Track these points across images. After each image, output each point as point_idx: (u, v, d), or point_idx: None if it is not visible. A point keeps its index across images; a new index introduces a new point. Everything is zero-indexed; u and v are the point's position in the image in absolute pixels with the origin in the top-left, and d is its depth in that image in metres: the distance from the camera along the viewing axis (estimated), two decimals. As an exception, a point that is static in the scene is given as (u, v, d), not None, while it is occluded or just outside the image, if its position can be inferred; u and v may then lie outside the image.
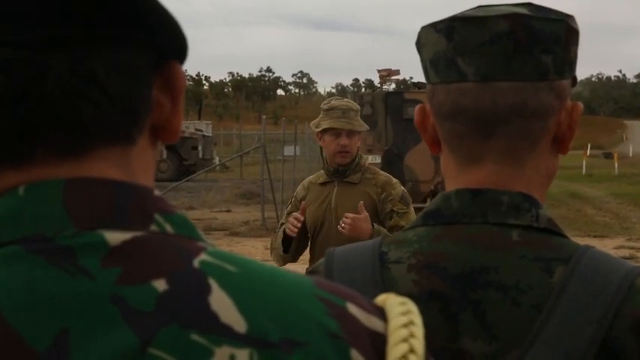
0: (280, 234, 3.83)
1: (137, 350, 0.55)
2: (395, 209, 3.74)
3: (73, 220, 0.60)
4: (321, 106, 3.92)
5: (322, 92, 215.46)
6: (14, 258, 0.58)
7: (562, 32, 1.02)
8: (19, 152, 0.61)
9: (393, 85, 17.44)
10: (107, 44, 0.63)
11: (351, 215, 3.61)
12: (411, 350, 0.63)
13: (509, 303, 0.97)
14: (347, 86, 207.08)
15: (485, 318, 0.98)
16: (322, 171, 3.95)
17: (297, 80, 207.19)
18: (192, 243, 0.63)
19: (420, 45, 1.09)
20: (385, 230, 3.63)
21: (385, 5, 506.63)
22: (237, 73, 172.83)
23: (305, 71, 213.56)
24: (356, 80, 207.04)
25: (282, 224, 3.92)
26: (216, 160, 27.82)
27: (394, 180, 3.87)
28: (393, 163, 13.12)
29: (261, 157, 14.82)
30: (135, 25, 0.64)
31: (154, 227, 0.62)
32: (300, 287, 0.64)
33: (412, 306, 0.67)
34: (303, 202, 3.80)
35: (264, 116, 15.65)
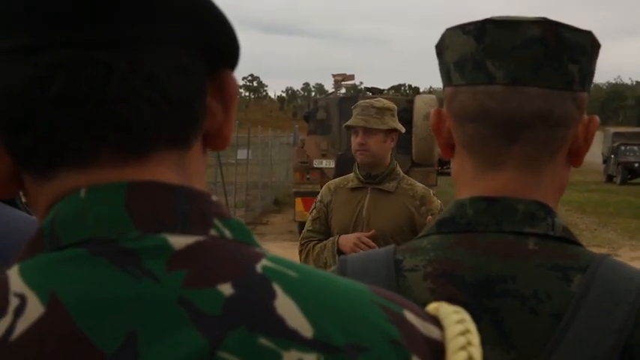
0: (329, 250, 3.48)
1: (207, 353, 0.54)
2: None
3: (136, 223, 0.59)
4: None
5: (272, 96, 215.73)
6: (78, 260, 0.57)
7: (588, 43, 1.03)
8: (81, 153, 0.60)
9: (344, 90, 17.45)
10: (167, 46, 0.62)
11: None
12: (470, 358, 0.64)
13: (528, 312, 0.97)
14: (297, 90, 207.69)
15: (503, 327, 0.97)
16: (352, 174, 3.62)
17: (248, 83, 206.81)
18: (250, 248, 0.62)
19: (442, 47, 1.08)
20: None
21: (335, 10, 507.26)
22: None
23: (255, 74, 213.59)
24: (306, 84, 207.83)
25: (310, 232, 3.60)
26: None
27: (432, 192, 3.58)
28: (346, 167, 12.94)
29: (215, 160, 14.71)
30: (194, 30, 0.63)
31: (213, 232, 0.61)
32: (359, 294, 0.63)
33: (465, 314, 0.67)
34: (373, 230, 3.43)
35: (217, 119, 15.49)
